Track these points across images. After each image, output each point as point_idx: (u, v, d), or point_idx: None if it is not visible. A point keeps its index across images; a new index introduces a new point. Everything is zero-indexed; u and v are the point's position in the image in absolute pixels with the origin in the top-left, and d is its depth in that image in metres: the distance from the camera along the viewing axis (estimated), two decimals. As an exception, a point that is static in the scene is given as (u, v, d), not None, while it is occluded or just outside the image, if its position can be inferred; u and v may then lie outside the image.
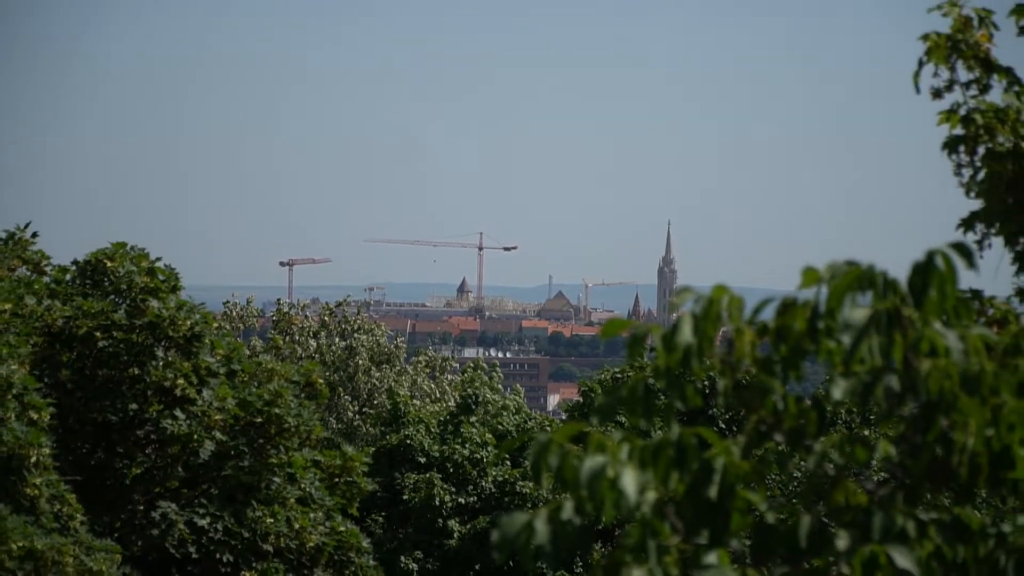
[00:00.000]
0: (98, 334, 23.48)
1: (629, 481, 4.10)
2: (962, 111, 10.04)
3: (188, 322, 23.80)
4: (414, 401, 40.90)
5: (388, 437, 36.20)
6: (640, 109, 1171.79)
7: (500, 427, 36.57)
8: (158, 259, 24.56)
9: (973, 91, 10.05)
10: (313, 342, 51.41)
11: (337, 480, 25.65)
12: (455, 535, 33.83)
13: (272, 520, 23.61)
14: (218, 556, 23.42)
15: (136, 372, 23.46)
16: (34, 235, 24.78)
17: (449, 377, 53.87)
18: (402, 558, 33.10)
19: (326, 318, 53.24)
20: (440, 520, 33.89)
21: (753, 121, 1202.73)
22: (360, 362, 51.13)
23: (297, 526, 23.77)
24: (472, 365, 42.21)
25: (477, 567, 33.78)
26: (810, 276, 4.24)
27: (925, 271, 4.21)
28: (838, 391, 4.24)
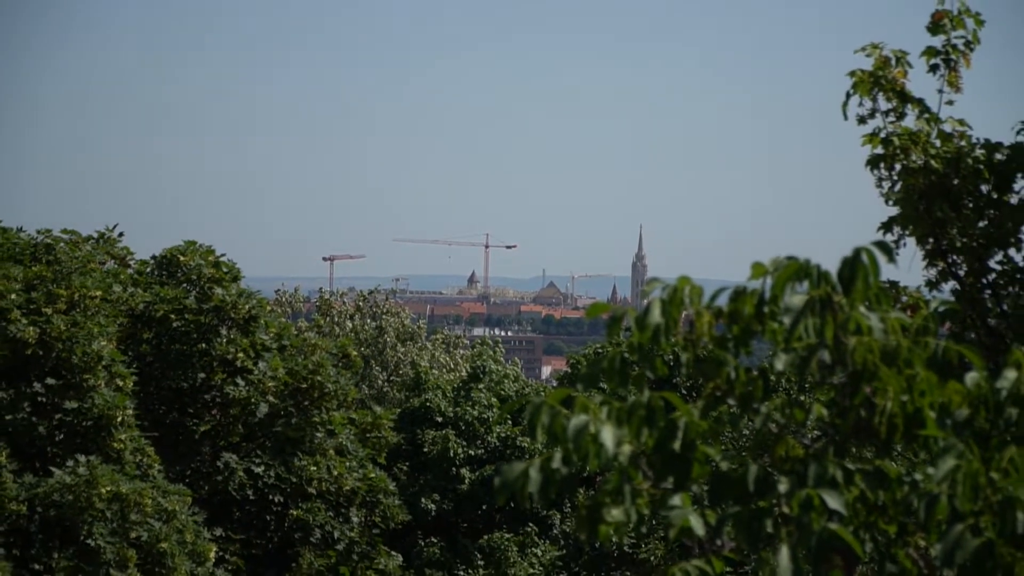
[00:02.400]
0: (172, 316, 23.49)
1: (608, 436, 4.10)
2: (882, 134, 10.05)
3: (247, 306, 23.82)
4: (433, 371, 40.84)
5: (411, 401, 36.19)
6: (617, 126, 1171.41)
7: (503, 392, 36.52)
8: (222, 254, 24.57)
9: (891, 118, 10.06)
10: (349, 323, 51.36)
11: (368, 435, 25.66)
12: (466, 481, 33.82)
13: (315, 468, 23.62)
14: (270, 498, 23.45)
15: (204, 347, 23.48)
16: (120, 234, 24.77)
17: (461, 352, 53.80)
18: (422, 500, 33.09)
19: (360, 303, 53.19)
20: (454, 469, 33.88)
21: (714, 137, 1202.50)
22: (388, 339, 51.10)
23: (335, 473, 23.79)
24: (480, 342, 42.15)
25: (484, 507, 33.82)
26: (758, 269, 4.24)
27: (852, 264, 4.19)
28: (780, 363, 4.23)
